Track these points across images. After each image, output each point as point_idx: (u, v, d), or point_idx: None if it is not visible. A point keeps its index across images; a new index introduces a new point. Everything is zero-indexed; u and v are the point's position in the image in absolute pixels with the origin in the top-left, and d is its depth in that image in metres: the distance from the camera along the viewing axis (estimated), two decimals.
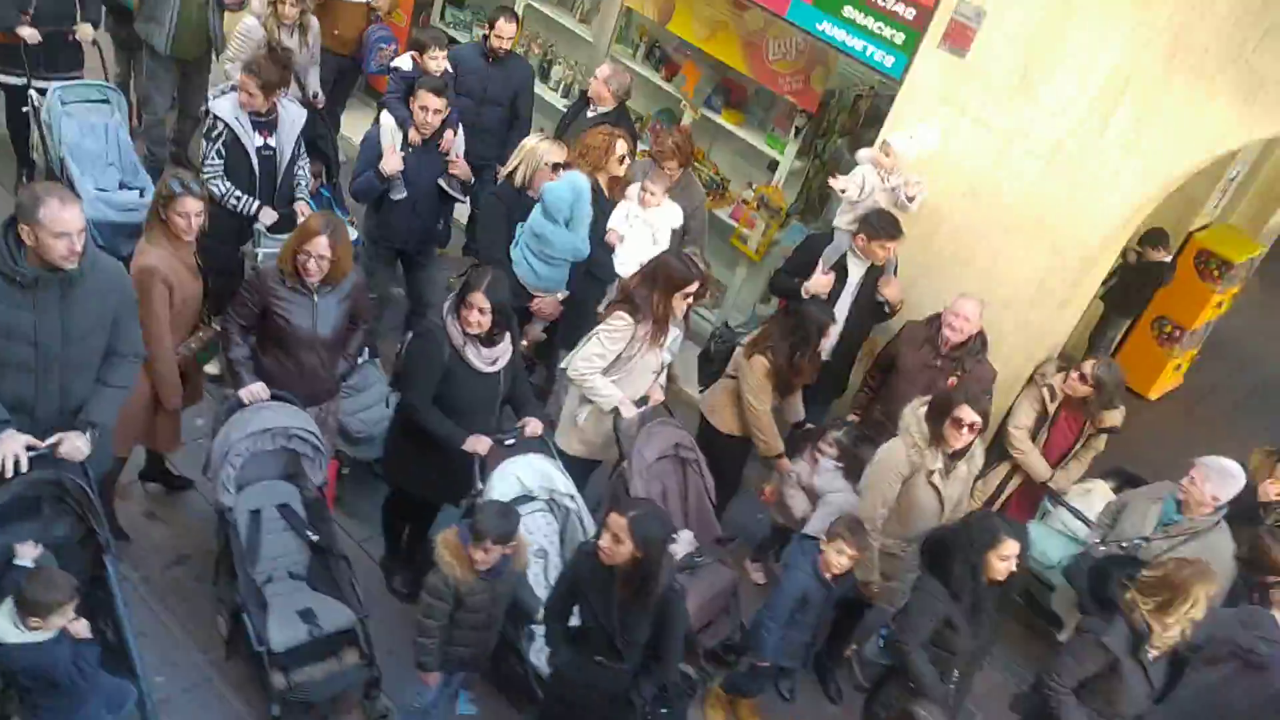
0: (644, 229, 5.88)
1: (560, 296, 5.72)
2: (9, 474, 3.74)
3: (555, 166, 5.60)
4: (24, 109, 6.37)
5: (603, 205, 5.80)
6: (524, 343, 5.62)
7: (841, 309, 5.82)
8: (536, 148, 5.64)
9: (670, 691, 4.30)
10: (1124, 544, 5.24)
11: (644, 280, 5.05)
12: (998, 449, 5.89)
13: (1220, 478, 5.05)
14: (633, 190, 5.99)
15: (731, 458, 5.70)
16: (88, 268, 3.82)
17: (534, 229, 5.53)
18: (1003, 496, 6.01)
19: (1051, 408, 5.82)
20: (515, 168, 5.67)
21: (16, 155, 6.83)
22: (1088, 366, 5.73)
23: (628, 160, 5.92)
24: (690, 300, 5.10)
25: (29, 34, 6.12)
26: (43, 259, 3.72)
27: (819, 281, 5.73)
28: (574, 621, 4.29)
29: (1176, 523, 5.14)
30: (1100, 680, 4.39)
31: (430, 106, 5.70)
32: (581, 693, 4.14)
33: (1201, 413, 8.67)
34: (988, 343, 5.65)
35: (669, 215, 6.03)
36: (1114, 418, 5.83)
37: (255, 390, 4.62)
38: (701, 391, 5.94)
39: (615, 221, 5.86)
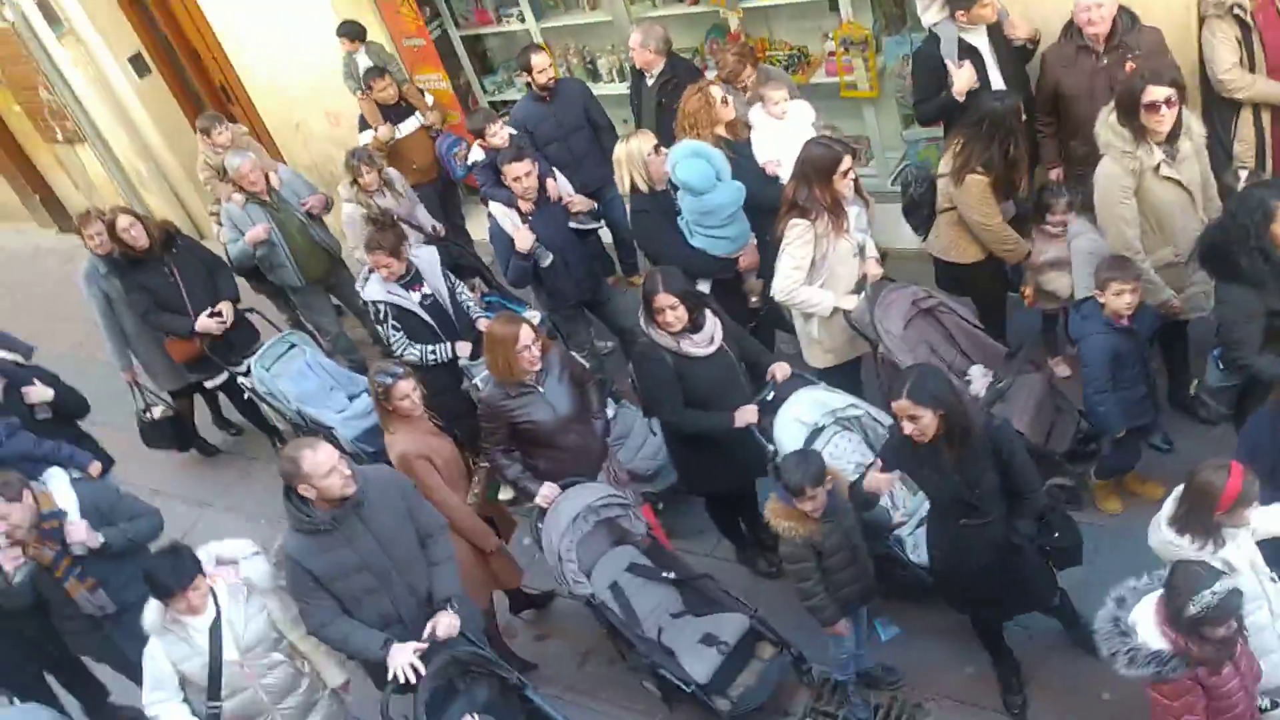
0: (790, 138, 5.72)
1: (753, 243, 5.72)
2: (413, 680, 4.17)
3: (655, 148, 5.64)
4: (245, 397, 7.08)
5: (740, 149, 5.77)
6: (753, 299, 5.71)
7: (996, 84, 5.55)
8: (628, 151, 5.66)
9: (1049, 518, 4.23)
10: None
11: (798, 180, 4.99)
12: (1226, 104, 5.40)
13: None
14: (756, 114, 5.95)
15: (986, 282, 5.56)
16: (363, 484, 4.23)
17: (698, 210, 5.54)
18: (1266, 144, 5.48)
19: (1250, 22, 5.27)
20: (630, 180, 5.71)
21: (262, 431, 7.57)
22: None
23: (729, 98, 5.88)
24: (850, 175, 5.00)
25: (214, 325, 6.71)
26: (328, 500, 4.15)
27: (963, 77, 5.47)
28: (924, 508, 4.33)
29: None
30: None
31: (519, 173, 5.88)
32: (967, 559, 4.14)
33: None
34: (1135, 15, 5.22)
35: (802, 113, 5.97)
36: None
37: (546, 492, 4.91)
38: (924, 240, 5.80)
39: (764, 152, 5.81)
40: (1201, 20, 5.42)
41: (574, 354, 5.52)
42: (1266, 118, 5.43)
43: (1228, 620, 3.14)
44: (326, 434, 6.21)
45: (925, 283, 5.48)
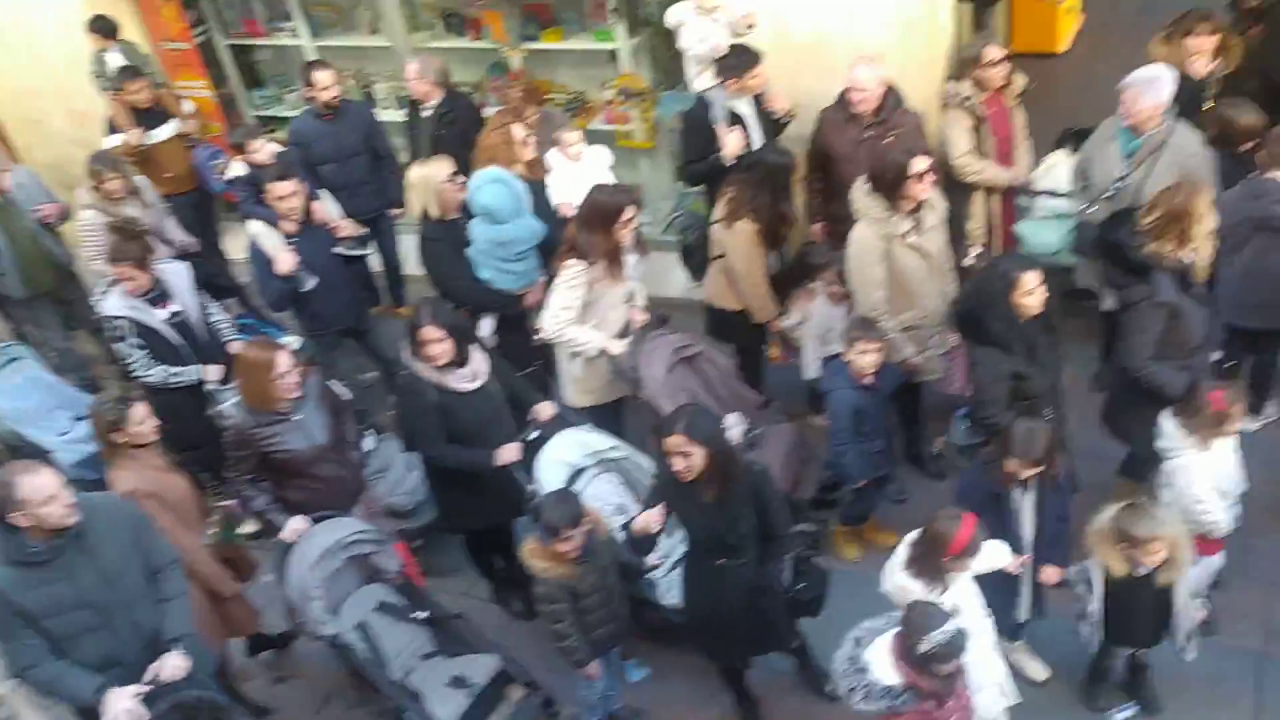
0: (586, 181, 5.73)
1: (542, 281, 5.67)
2: None
3: (452, 176, 5.53)
4: None
5: (537, 189, 5.74)
6: (539, 336, 5.65)
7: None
8: (424, 176, 5.54)
9: (801, 567, 4.42)
10: (1107, 194, 5.29)
11: (581, 223, 5.05)
12: (961, 186, 5.88)
13: (1150, 85, 5.08)
14: (552, 156, 5.99)
15: (748, 332, 5.75)
16: (87, 513, 3.88)
17: (492, 239, 5.48)
18: (994, 220, 6.02)
19: (981, 111, 5.77)
20: (421, 206, 5.56)
21: None
22: (988, 52, 5.69)
23: (529, 138, 5.84)
24: (632, 224, 5.09)
25: None
26: (45, 530, 3.78)
27: (732, 142, 5.68)
28: (681, 546, 4.41)
29: (1138, 147, 5.18)
30: (1166, 332, 4.48)
31: (283, 193, 5.67)
32: (718, 602, 4.25)
33: (1113, 37, 8.65)
34: (902, 96, 5.64)
35: (599, 156, 6.07)
36: (1020, 80, 5.86)
37: (295, 526, 4.68)
38: (698, 285, 5.96)
39: (560, 194, 5.80)
40: (944, 107, 5.93)
41: (333, 383, 5.31)
42: (995, 200, 5.98)
43: (954, 658, 3.37)
44: (44, 457, 5.66)
45: (691, 332, 5.63)
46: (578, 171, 5.95)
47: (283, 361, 4.57)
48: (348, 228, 6.07)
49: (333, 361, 6.18)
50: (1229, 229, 4.78)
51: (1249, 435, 5.30)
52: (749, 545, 4.14)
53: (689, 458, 3.89)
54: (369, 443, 5.51)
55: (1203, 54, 5.52)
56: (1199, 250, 4.43)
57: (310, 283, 5.87)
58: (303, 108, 6.92)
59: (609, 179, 5.97)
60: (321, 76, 6.57)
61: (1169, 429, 4.36)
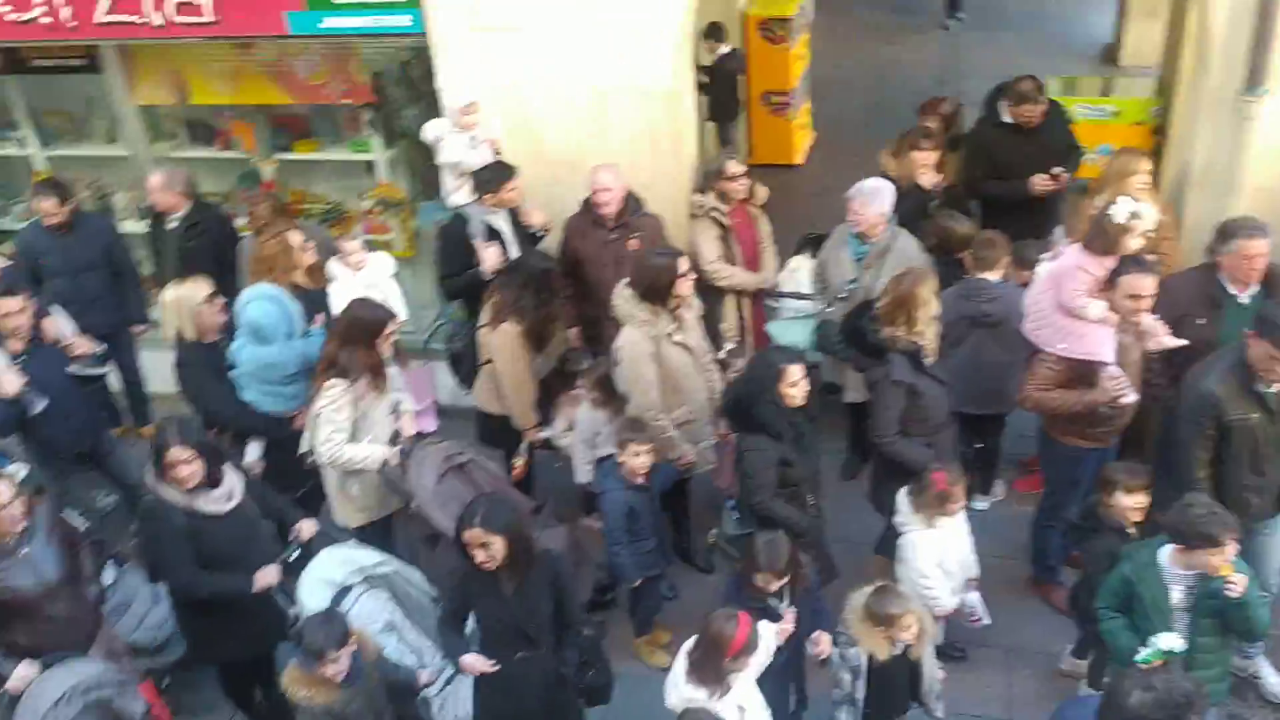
0: (369, 289, 5.77)
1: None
2: None
3: (209, 297, 5.32)
4: None
5: (318, 299, 5.60)
6: (310, 458, 5.42)
7: None
8: (177, 297, 5.30)
9: (587, 656, 4.42)
10: (841, 295, 5.72)
11: (340, 340, 4.97)
12: (713, 290, 6.15)
13: (873, 196, 5.59)
14: (334, 266, 5.90)
15: (519, 436, 5.74)
16: None
17: (258, 362, 5.28)
18: (745, 321, 6.34)
19: (727, 223, 6.11)
20: (177, 328, 5.31)
21: None
22: (730, 166, 6.08)
23: (309, 244, 5.71)
24: (391, 337, 5.06)
25: None
26: None
27: (491, 257, 5.74)
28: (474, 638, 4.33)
29: (866, 252, 5.65)
30: (908, 409, 4.83)
31: (8, 310, 5.33)
32: (515, 698, 4.20)
33: (841, 151, 9.43)
34: (641, 201, 5.90)
35: (382, 264, 6.03)
36: (762, 190, 6.31)
37: (23, 673, 4.29)
38: (468, 392, 5.95)
39: (343, 304, 5.63)
40: (692, 218, 6.24)
41: (67, 512, 4.93)
42: (746, 303, 6.32)
43: None
44: None
45: (461, 439, 5.58)
46: (361, 280, 5.89)
47: (3, 492, 4.25)
48: (83, 345, 5.72)
49: (66, 489, 5.77)
50: (948, 326, 5.26)
51: (980, 514, 5.80)
52: (546, 634, 4.15)
53: (489, 548, 3.89)
54: (109, 575, 5.13)
55: (928, 167, 6.14)
56: (926, 332, 4.84)
57: (40, 405, 5.48)
58: (31, 219, 6.51)
59: (394, 286, 6.01)
60: (46, 206, 6.28)
61: (902, 505, 4.69)
